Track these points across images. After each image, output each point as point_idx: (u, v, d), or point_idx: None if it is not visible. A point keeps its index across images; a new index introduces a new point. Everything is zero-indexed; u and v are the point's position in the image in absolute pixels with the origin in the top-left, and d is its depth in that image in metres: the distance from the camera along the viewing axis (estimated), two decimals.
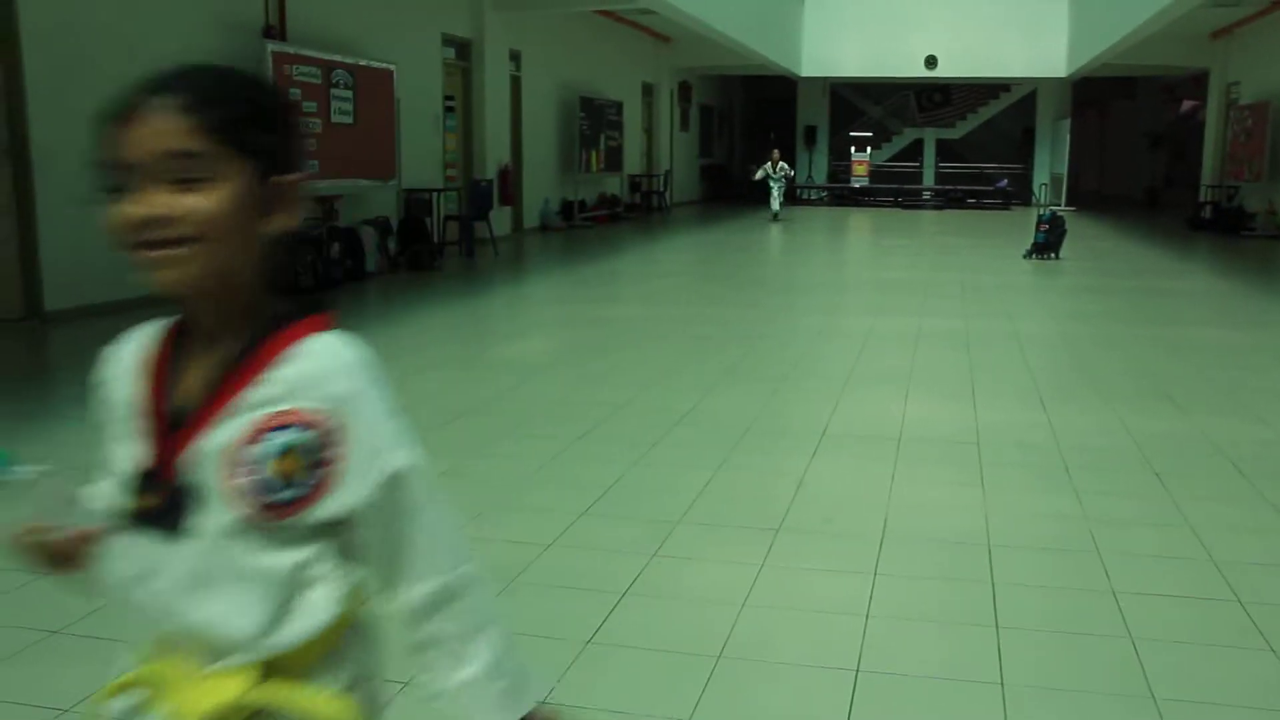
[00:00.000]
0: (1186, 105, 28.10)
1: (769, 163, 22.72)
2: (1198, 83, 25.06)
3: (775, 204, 22.25)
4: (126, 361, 1.23)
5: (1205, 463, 5.04)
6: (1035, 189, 28.71)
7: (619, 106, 21.16)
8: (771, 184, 22.46)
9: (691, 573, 3.67)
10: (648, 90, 24.15)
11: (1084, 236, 17.72)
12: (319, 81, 11.27)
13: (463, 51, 15.72)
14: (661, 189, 24.32)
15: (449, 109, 15.45)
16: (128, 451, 1.19)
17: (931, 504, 4.43)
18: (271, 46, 10.60)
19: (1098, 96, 33.58)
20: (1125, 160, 33.84)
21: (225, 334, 1.17)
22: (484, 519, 4.12)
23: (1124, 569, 3.69)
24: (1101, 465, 4.95)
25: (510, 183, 16.78)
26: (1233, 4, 17.83)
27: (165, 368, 1.20)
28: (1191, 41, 21.78)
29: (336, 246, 11.14)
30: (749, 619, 3.29)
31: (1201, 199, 21.84)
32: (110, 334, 1.27)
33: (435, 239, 13.68)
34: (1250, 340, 8.79)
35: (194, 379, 1.17)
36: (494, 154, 16.25)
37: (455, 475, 4.68)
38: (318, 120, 11.26)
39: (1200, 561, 3.78)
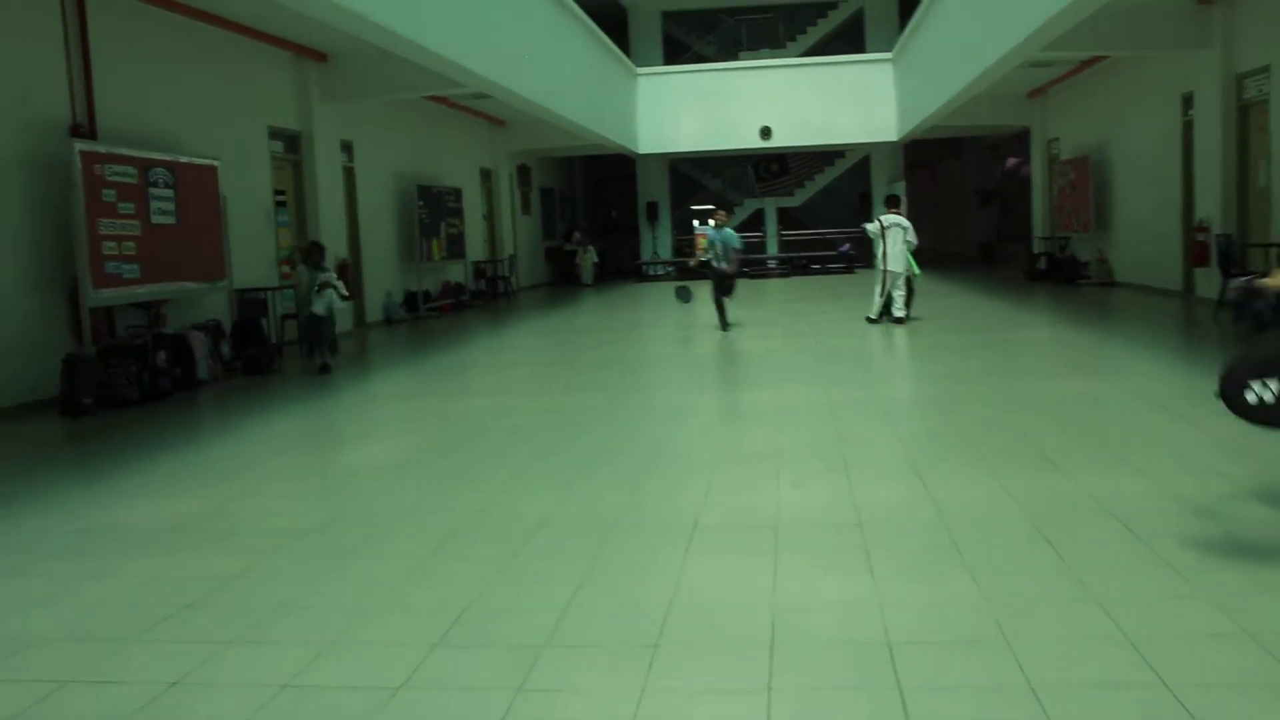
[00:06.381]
0: (1011, 162, 29.04)
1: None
2: (1019, 140, 25.93)
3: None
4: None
5: (1095, 525, 4.80)
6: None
7: (458, 193, 20.77)
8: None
9: (564, 709, 3.21)
10: (486, 175, 23.80)
11: (930, 294, 17.91)
12: (135, 181, 10.57)
13: (292, 144, 15.14)
14: (507, 274, 23.89)
15: (280, 204, 14.82)
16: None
17: (820, 600, 4.06)
18: (80, 146, 9.88)
19: (927, 158, 34.59)
20: (957, 218, 34.81)
21: None
22: (321, 660, 3.60)
23: (1038, 658, 3.37)
24: (991, 538, 4.67)
25: (350, 276, 16.16)
26: (1046, 64, 18.47)
27: None
28: (1011, 101, 22.57)
29: (163, 355, 10.40)
30: None
31: (1036, 251, 22.46)
32: None
33: (272, 340, 13.02)
34: (1105, 388, 8.76)
35: None
36: (331, 248, 15.61)
37: (289, 610, 4.14)
38: (136, 222, 10.57)
39: (1117, 641, 3.48)
